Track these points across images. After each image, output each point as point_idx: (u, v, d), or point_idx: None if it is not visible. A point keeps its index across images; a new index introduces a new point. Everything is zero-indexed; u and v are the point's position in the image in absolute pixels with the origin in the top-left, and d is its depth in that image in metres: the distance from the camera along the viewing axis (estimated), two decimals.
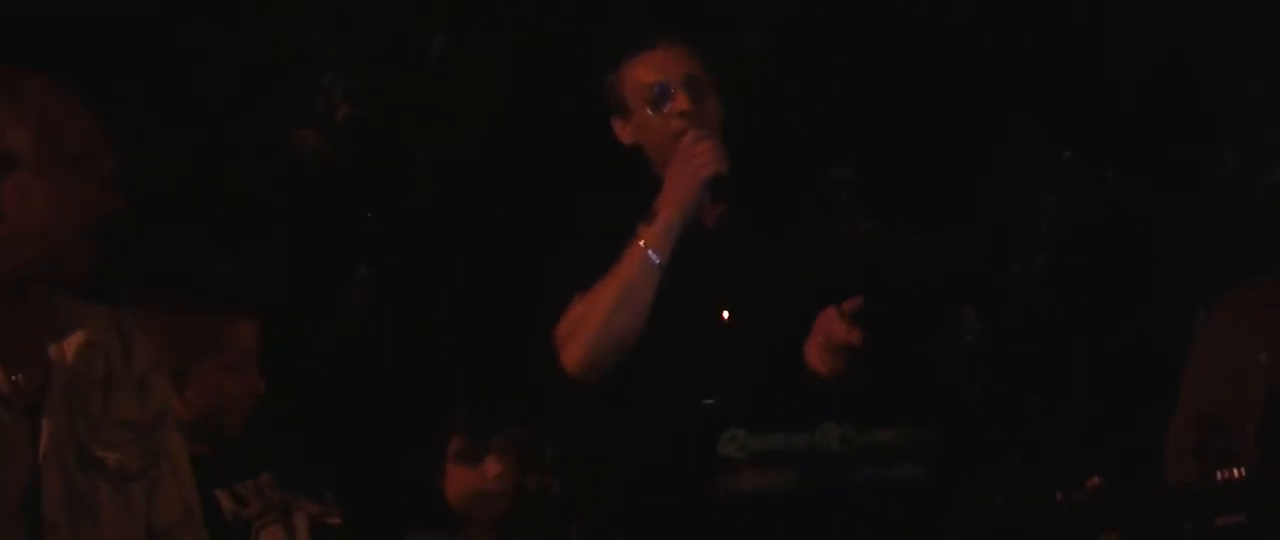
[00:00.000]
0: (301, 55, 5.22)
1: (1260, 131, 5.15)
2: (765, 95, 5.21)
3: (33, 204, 2.64)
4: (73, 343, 2.72)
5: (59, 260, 2.68)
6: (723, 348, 3.69)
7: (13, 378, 2.66)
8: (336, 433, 4.99)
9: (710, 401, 3.61)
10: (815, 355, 3.59)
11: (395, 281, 5.30)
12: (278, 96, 5.18)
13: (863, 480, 3.51)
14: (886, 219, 4.92)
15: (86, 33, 4.80)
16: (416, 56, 5.31)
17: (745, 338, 3.69)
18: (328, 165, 5.20)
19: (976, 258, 5.24)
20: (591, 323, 3.65)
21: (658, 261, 3.65)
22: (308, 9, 5.24)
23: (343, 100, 5.19)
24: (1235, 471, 3.27)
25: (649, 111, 3.77)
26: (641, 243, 3.66)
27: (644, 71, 3.78)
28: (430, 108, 5.29)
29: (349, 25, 5.24)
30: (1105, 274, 5.27)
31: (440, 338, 5.27)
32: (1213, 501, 3.28)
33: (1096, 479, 3.37)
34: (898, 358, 4.00)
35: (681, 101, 3.73)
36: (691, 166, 3.67)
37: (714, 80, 3.79)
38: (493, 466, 4.49)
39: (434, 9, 5.38)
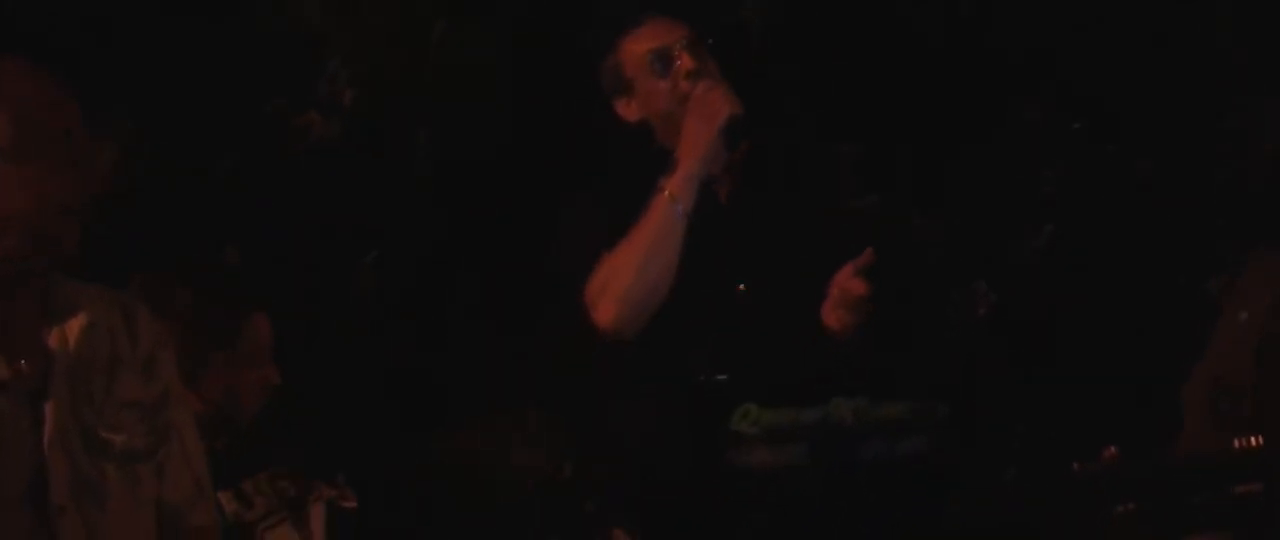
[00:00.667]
0: (306, 40, 5.20)
1: (1262, 99, 5.12)
2: (767, 70, 5.19)
3: (15, 191, 2.62)
4: (74, 326, 2.71)
5: (50, 244, 2.66)
6: (735, 322, 3.68)
7: (14, 365, 2.65)
8: (349, 417, 4.98)
9: (722, 377, 3.60)
10: (831, 314, 3.59)
11: (402, 265, 5.29)
12: (282, 81, 5.17)
13: (876, 454, 3.50)
14: (892, 194, 4.90)
15: (88, 20, 4.79)
16: (419, 41, 5.30)
17: (757, 312, 3.69)
18: (333, 150, 5.19)
19: (984, 230, 5.22)
20: (622, 277, 3.65)
21: (682, 210, 3.65)
22: None
23: (347, 87, 5.17)
24: (1253, 440, 3.25)
25: (654, 80, 3.77)
26: (666, 193, 3.66)
27: (643, 42, 3.79)
28: (433, 92, 5.27)
29: (353, 9, 5.22)
30: (1112, 244, 5.25)
31: (447, 321, 5.27)
32: (1229, 470, 3.26)
33: (1113, 449, 3.35)
34: (909, 332, 3.98)
35: (686, 61, 3.74)
36: (707, 113, 3.68)
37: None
38: (545, 441, 4.51)
39: None
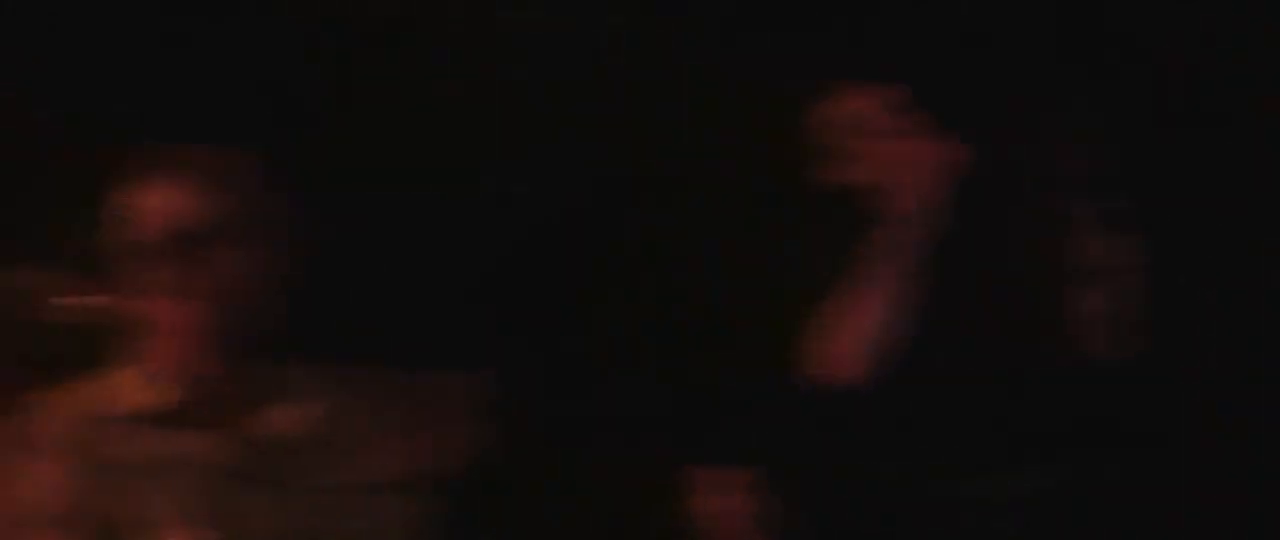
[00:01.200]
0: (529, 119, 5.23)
1: None
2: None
3: (236, 274, 2.70)
4: (292, 409, 2.75)
5: (261, 324, 2.72)
6: (964, 373, 3.64)
7: (225, 447, 2.70)
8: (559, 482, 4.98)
9: (957, 439, 3.55)
10: None
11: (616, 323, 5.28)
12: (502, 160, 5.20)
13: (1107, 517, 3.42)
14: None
15: (291, 96, 4.87)
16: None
17: (985, 359, 3.65)
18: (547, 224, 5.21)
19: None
20: (849, 329, 3.63)
21: (905, 262, 3.62)
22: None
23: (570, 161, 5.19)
24: None
25: (866, 142, 3.75)
26: (886, 246, 3.63)
27: (849, 105, 3.77)
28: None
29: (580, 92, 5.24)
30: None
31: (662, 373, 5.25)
32: None
33: None
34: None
35: (895, 120, 3.72)
36: (924, 166, 3.66)
37: None
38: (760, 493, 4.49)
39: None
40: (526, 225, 5.21)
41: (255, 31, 4.91)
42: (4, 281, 3.80)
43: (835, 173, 3.80)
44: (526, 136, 5.22)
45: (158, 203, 2.70)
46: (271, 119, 4.77)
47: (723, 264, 5.12)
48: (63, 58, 4.82)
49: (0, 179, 4.79)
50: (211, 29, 4.86)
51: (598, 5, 5.24)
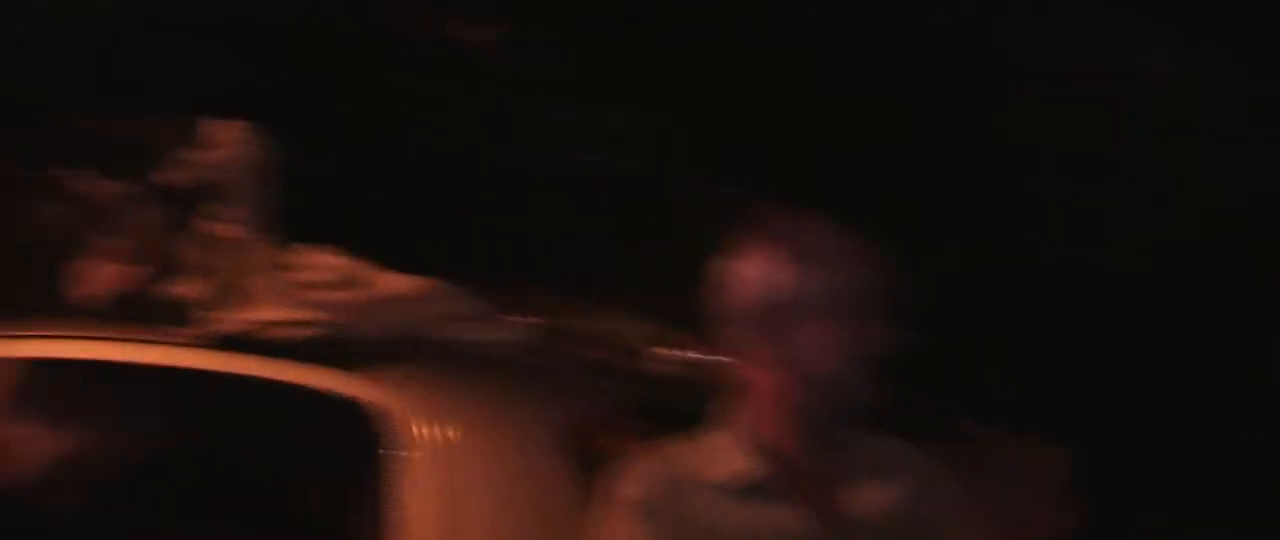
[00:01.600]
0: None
1: None
2: None
3: (826, 347, 2.71)
4: (881, 485, 2.75)
5: (859, 401, 2.73)
6: None
7: (821, 526, 2.71)
8: None
9: None
10: None
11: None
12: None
13: None
14: None
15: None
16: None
17: None
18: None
19: None
20: None
21: None
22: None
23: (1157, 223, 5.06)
24: None
25: None
26: None
27: None
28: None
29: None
30: None
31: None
32: None
33: None
34: None
35: None
36: None
37: None
38: None
39: None
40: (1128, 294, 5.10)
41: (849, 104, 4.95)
42: (609, 330, 3.95)
43: None
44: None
45: (753, 272, 2.74)
46: (869, 193, 4.80)
47: None
48: (688, 123, 4.95)
49: (607, 233, 4.95)
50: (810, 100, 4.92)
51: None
